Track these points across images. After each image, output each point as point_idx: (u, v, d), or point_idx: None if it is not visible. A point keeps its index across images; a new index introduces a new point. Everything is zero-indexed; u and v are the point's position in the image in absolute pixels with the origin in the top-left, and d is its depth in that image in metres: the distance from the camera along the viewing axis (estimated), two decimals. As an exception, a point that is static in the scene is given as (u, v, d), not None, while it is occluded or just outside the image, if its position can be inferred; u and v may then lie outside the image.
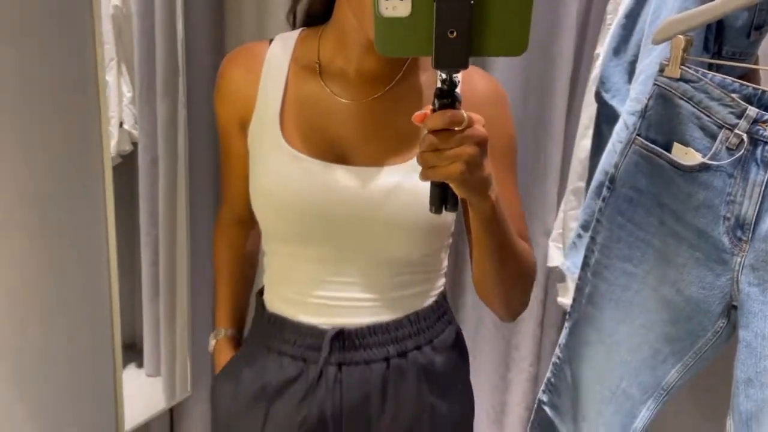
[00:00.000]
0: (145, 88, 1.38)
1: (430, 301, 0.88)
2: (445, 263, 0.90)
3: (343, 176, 0.79)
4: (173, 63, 1.42)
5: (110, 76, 1.29)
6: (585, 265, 1.02)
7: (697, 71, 0.85)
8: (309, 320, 0.84)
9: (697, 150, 0.86)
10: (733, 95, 0.83)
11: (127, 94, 1.37)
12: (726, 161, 0.84)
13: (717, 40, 0.94)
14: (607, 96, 1.14)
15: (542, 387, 1.14)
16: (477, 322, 1.70)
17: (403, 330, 0.84)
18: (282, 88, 0.83)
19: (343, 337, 0.82)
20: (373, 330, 0.83)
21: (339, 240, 0.81)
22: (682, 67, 0.86)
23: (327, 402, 0.82)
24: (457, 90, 0.62)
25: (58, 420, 1.17)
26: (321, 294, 0.83)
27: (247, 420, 0.87)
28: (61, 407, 1.18)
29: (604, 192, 0.97)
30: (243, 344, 0.98)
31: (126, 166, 1.37)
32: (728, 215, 0.85)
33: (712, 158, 0.85)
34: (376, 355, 0.82)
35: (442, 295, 0.91)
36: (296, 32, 0.88)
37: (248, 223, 0.98)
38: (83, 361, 1.24)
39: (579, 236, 1.15)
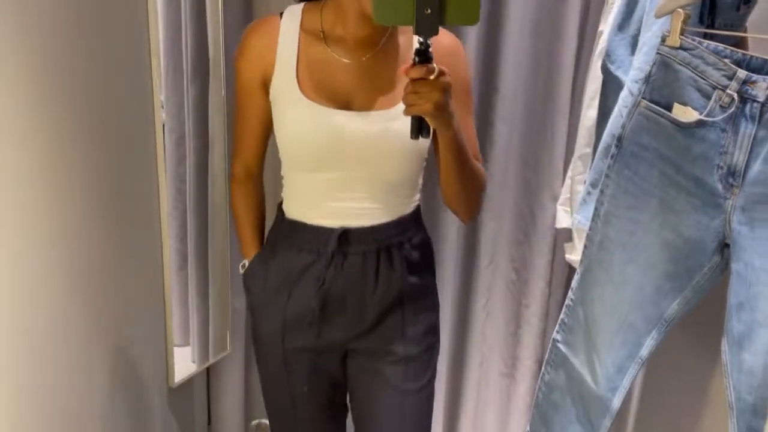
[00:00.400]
0: (171, 72, 1.48)
1: (410, 209, 1.14)
2: (421, 181, 1.15)
3: (347, 118, 1.04)
4: (203, 47, 1.53)
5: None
6: (596, 215, 1.15)
7: (694, 40, 0.98)
8: (321, 223, 1.09)
9: (694, 109, 0.99)
10: (725, 60, 0.96)
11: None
12: (719, 117, 0.97)
13: (711, 14, 1.07)
14: (612, 67, 1.26)
15: (556, 328, 1.27)
16: (490, 285, 1.83)
17: (391, 231, 1.10)
18: (295, 51, 1.06)
19: (347, 235, 1.08)
20: (369, 230, 1.09)
21: (345, 166, 1.05)
22: (682, 37, 0.99)
23: (334, 282, 1.09)
24: (430, 49, 0.87)
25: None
26: (330, 204, 1.08)
27: (275, 299, 1.14)
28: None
29: (613, 150, 1.10)
30: (266, 244, 1.21)
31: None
32: (721, 164, 0.98)
33: (707, 115, 0.98)
34: (371, 248, 1.09)
35: (418, 206, 1.16)
36: (300, 6, 1.10)
37: (259, 177, 1.22)
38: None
39: (588, 193, 1.28)
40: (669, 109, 1.02)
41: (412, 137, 0.93)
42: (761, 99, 0.93)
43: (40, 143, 0.97)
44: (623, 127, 1.08)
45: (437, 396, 1.89)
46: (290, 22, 1.08)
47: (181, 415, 1.75)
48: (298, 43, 1.07)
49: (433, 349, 1.22)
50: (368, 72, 1.06)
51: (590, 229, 1.16)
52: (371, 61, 1.07)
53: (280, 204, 1.17)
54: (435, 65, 0.87)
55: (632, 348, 1.13)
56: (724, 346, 1.00)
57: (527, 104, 1.69)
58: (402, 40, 1.08)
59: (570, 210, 1.57)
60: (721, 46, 0.98)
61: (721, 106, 0.97)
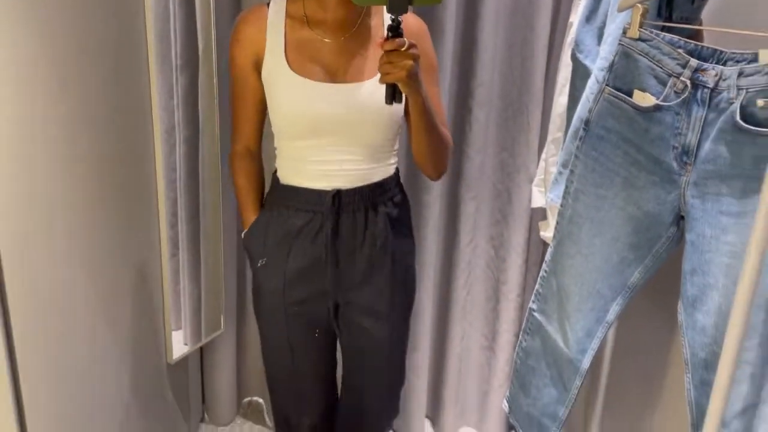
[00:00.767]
0: (160, 63, 1.54)
1: (391, 172, 1.29)
2: (396, 146, 1.31)
3: (332, 90, 1.20)
4: (192, 38, 1.60)
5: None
6: (566, 193, 1.25)
7: (652, 32, 1.08)
8: (315, 186, 1.24)
9: (652, 94, 1.09)
10: (679, 50, 1.06)
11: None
12: (674, 102, 1.07)
13: (668, 8, 1.17)
14: (581, 56, 1.36)
15: (532, 298, 1.38)
16: (470, 262, 1.93)
17: (376, 191, 1.26)
18: (282, 35, 1.21)
19: (339, 196, 1.23)
20: (358, 191, 1.24)
21: (332, 132, 1.20)
22: (641, 29, 1.09)
23: (329, 237, 1.24)
24: (401, 26, 1.04)
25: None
26: (322, 168, 1.23)
27: (276, 255, 1.27)
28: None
29: (581, 133, 1.21)
30: (263, 209, 1.33)
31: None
32: (676, 145, 1.09)
33: (663, 100, 1.08)
34: (359, 207, 1.24)
35: (397, 170, 1.32)
36: None
37: (258, 153, 1.34)
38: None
39: (560, 173, 1.38)
40: (630, 95, 1.12)
41: (387, 102, 1.10)
42: (710, 85, 1.03)
43: (48, 136, 1.05)
44: (590, 111, 1.18)
45: (421, 370, 2.00)
46: (276, 10, 1.23)
47: (178, 390, 1.83)
48: (285, 27, 1.22)
49: (411, 301, 1.40)
50: (347, 49, 1.22)
51: (561, 205, 1.27)
52: (349, 40, 1.23)
53: (275, 173, 1.31)
54: (405, 39, 1.05)
55: (599, 313, 1.24)
56: (680, 308, 1.11)
57: (503, 91, 1.78)
58: (373, 22, 1.25)
59: (544, 190, 1.67)
60: (676, 37, 1.08)
61: (675, 91, 1.07)
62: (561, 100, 1.55)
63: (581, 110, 1.29)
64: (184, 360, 1.85)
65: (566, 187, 1.25)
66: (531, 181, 1.79)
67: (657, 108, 1.09)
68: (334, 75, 1.21)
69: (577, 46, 1.37)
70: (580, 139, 1.20)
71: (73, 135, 1.11)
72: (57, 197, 1.07)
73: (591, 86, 1.27)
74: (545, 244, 1.75)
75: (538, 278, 1.36)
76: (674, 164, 1.09)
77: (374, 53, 1.18)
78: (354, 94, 1.20)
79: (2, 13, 0.90)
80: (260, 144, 1.34)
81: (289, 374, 1.38)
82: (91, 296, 1.22)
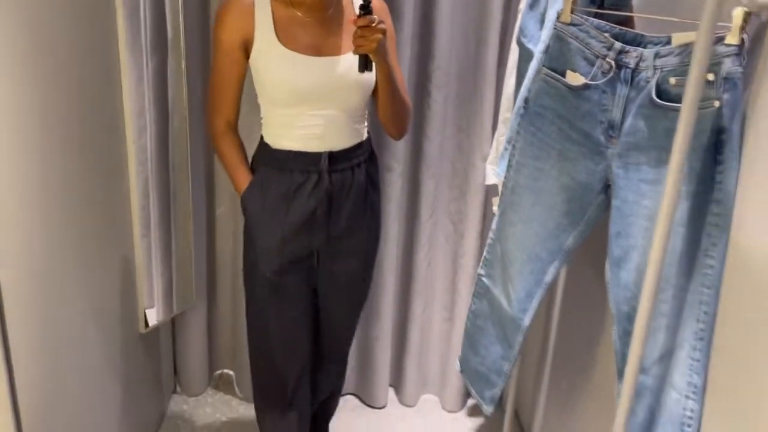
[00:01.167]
0: (130, 46, 1.60)
1: (365, 135, 1.50)
2: (367, 113, 1.50)
3: (317, 63, 1.37)
4: (161, 22, 1.67)
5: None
6: (509, 166, 1.36)
7: (581, 17, 1.19)
8: (307, 149, 1.41)
9: (582, 74, 1.20)
10: (605, 34, 1.17)
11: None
12: (601, 81, 1.18)
13: (600, -5, 1.28)
14: (524, 40, 1.47)
15: (480, 264, 1.49)
16: (430, 237, 2.04)
17: (358, 151, 1.46)
18: (270, 16, 1.37)
19: (331, 156, 1.41)
20: (345, 151, 1.43)
21: (318, 99, 1.38)
22: (572, 15, 1.20)
23: (324, 193, 1.41)
24: (371, 5, 1.25)
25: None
26: (311, 132, 1.40)
27: (274, 214, 1.43)
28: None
29: (521, 111, 1.32)
30: (256, 174, 1.46)
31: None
32: (603, 120, 1.20)
33: (591, 80, 1.19)
34: (346, 166, 1.43)
35: (368, 133, 1.51)
36: None
37: (236, 127, 1.48)
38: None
39: (506, 149, 1.49)
40: (563, 75, 1.23)
41: (360, 71, 1.32)
42: (632, 65, 1.15)
43: (21, 119, 1.12)
44: (529, 90, 1.29)
45: (384, 342, 2.11)
46: None
47: (151, 360, 1.91)
48: (272, 9, 1.37)
49: (377, 247, 1.62)
50: (327, 27, 1.40)
51: (505, 177, 1.38)
52: (327, 19, 1.40)
53: (261, 139, 1.47)
54: (375, 16, 1.26)
55: (538, 276, 1.36)
56: (607, 267, 1.22)
57: (459, 74, 1.89)
58: (345, 3, 1.44)
59: (496, 168, 1.78)
60: (603, 22, 1.19)
61: (602, 72, 1.18)
62: (510, 82, 1.66)
63: (523, 90, 1.40)
64: (156, 333, 1.94)
65: (509, 160, 1.36)
66: (485, 159, 1.90)
67: (586, 87, 1.20)
68: (317, 49, 1.38)
69: (521, 31, 1.48)
70: (521, 116, 1.31)
71: (47, 118, 1.18)
72: (33, 178, 1.14)
73: (532, 68, 1.38)
74: (498, 219, 1.87)
75: (486, 246, 1.47)
76: (602, 138, 1.21)
77: (348, 30, 1.37)
78: (334, 66, 1.38)
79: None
80: (238, 117, 1.47)
81: (281, 325, 1.51)
82: (68, 266, 1.30)
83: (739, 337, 1.01)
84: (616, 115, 1.18)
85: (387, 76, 1.38)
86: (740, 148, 1.02)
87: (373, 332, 2.08)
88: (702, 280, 1.07)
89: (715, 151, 1.03)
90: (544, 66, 1.26)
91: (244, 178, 1.45)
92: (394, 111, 1.46)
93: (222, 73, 1.41)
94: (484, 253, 1.48)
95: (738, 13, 0.96)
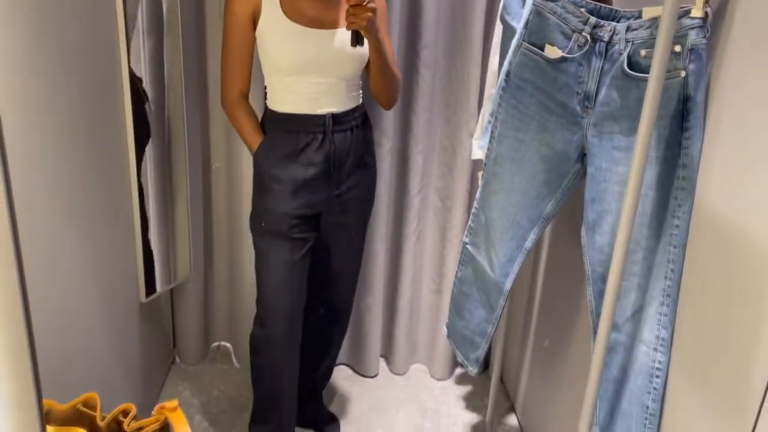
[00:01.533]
0: (132, 28, 1.66)
1: (360, 101, 1.63)
2: (361, 82, 1.63)
3: (318, 35, 1.49)
4: (157, 3, 1.72)
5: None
6: (492, 138, 1.43)
7: (559, -7, 1.25)
8: (311, 112, 1.54)
9: (559, 48, 1.27)
10: (581, 9, 1.24)
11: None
12: (577, 54, 1.25)
13: (577, -27, 1.34)
14: (508, 18, 1.53)
15: (465, 232, 1.56)
16: (419, 211, 2.11)
17: (355, 114, 1.60)
18: None
19: (333, 118, 1.55)
20: (345, 113, 1.57)
21: (319, 68, 1.51)
22: (550, -9, 1.26)
23: (328, 151, 1.56)
24: None
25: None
26: (314, 97, 1.53)
27: (284, 166, 1.56)
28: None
29: (503, 84, 1.38)
30: (266, 134, 1.59)
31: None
32: (579, 91, 1.27)
33: (568, 53, 1.26)
34: (347, 127, 1.58)
35: (362, 100, 1.65)
36: None
37: (248, 95, 1.60)
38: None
39: (489, 122, 1.55)
40: (542, 48, 1.30)
41: (351, 45, 1.44)
42: (606, 39, 1.21)
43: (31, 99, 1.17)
44: (510, 64, 1.35)
45: (375, 313, 2.19)
46: None
47: (151, 330, 1.98)
48: None
49: (372, 200, 1.77)
50: (327, 2, 1.52)
51: (488, 149, 1.45)
52: None
53: (267, 108, 1.61)
54: None
55: (519, 241, 1.43)
56: (583, 231, 1.30)
57: (446, 53, 1.95)
58: None
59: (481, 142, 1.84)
60: (579, -2, 1.26)
61: (578, 45, 1.25)
62: (494, 59, 1.71)
63: (505, 64, 1.46)
64: (156, 305, 2.01)
65: (491, 132, 1.42)
66: (471, 135, 1.96)
67: (563, 60, 1.27)
68: (318, 22, 1.50)
69: (505, 9, 1.54)
70: (502, 89, 1.38)
71: (51, 92, 1.24)
72: (45, 150, 1.20)
73: (513, 43, 1.44)
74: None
75: (470, 215, 1.54)
76: (578, 108, 1.28)
77: (344, 6, 1.48)
78: (333, 38, 1.50)
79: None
80: (249, 86, 1.58)
81: (288, 269, 1.62)
82: (69, 234, 1.36)
83: (702, 291, 1.09)
84: (591, 86, 1.25)
85: (377, 51, 1.51)
86: (704, 115, 1.09)
87: (363, 304, 2.16)
88: (669, 239, 1.14)
89: (682, 118, 1.10)
90: (524, 40, 1.32)
91: (257, 139, 1.57)
92: (384, 83, 1.59)
93: (235, 46, 1.52)
94: (469, 222, 1.55)
95: (701, -13, 1.03)
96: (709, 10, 1.05)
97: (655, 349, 1.18)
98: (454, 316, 1.64)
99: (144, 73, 1.69)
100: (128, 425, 1.06)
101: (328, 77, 1.53)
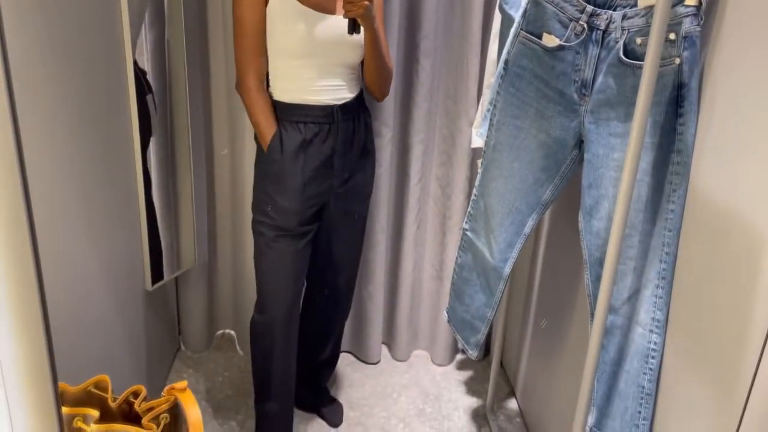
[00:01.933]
0: (136, 18, 1.68)
1: (360, 89, 1.67)
2: (360, 71, 1.67)
3: (324, 18, 1.53)
4: (159, 3, 1.75)
5: None
6: (490, 125, 1.45)
7: (556, -17, 1.27)
8: (318, 102, 1.58)
9: (556, 36, 1.29)
10: (578, -2, 1.26)
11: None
12: (574, 43, 1.27)
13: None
14: (506, 7, 1.55)
15: (464, 219, 1.59)
16: (419, 200, 2.14)
17: (357, 103, 1.65)
18: None
19: (341, 108, 1.59)
20: (349, 103, 1.62)
21: (324, 53, 1.55)
22: (548, -20, 1.28)
23: (335, 140, 1.61)
24: None
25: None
26: (324, 84, 1.57)
27: (294, 161, 1.58)
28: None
29: (501, 72, 1.40)
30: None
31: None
32: (576, 79, 1.29)
33: (565, 41, 1.28)
34: (350, 116, 1.63)
35: (361, 89, 1.69)
36: None
37: (264, 80, 1.60)
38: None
39: (488, 110, 1.58)
40: (540, 37, 1.32)
41: (348, 33, 1.49)
42: (603, 27, 1.23)
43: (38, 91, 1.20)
44: (508, 53, 1.37)
45: (377, 301, 2.22)
46: None
47: (156, 317, 2.01)
48: None
49: (372, 185, 1.80)
50: None
51: (487, 136, 1.47)
52: None
53: (274, 99, 1.60)
54: None
55: (518, 227, 1.46)
56: (580, 217, 1.32)
57: (446, 43, 1.97)
58: None
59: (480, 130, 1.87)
60: (576, -13, 1.27)
61: (575, 33, 1.27)
62: (493, 48, 1.74)
63: (504, 53, 1.48)
64: (161, 293, 2.04)
65: (490, 120, 1.45)
66: (471, 124, 1.99)
67: (561, 48, 1.29)
68: (325, 7, 1.54)
69: (503, -2, 1.56)
70: (501, 77, 1.40)
71: (57, 81, 1.26)
72: (41, 139, 1.23)
73: (511, 32, 1.46)
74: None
75: (470, 202, 1.57)
76: (575, 96, 1.30)
77: None
78: (337, 23, 1.54)
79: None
80: (267, 71, 1.61)
81: (290, 259, 1.66)
82: (80, 224, 1.39)
83: (696, 274, 1.12)
84: (588, 74, 1.27)
85: (373, 40, 1.55)
86: (698, 101, 1.11)
87: (365, 292, 2.19)
88: (664, 224, 1.17)
89: (677, 105, 1.13)
90: (522, 29, 1.34)
91: (272, 129, 1.58)
92: (378, 73, 1.63)
93: (250, 27, 1.53)
94: (468, 209, 1.57)
95: (695, -24, 1.05)
96: (702, -2, 1.07)
97: (651, 331, 1.21)
98: (454, 301, 1.67)
99: (147, 64, 1.72)
100: (139, 406, 1.09)
101: (334, 64, 1.56)
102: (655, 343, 1.21)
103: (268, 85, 1.62)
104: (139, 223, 1.77)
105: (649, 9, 1.15)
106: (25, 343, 0.66)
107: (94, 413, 1.07)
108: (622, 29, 1.20)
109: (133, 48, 1.62)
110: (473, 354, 1.64)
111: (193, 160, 1.96)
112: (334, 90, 1.59)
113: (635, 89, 1.15)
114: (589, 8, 1.25)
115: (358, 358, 2.32)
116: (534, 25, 1.33)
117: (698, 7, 1.07)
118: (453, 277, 1.66)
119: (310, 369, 1.96)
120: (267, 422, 1.81)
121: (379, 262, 2.14)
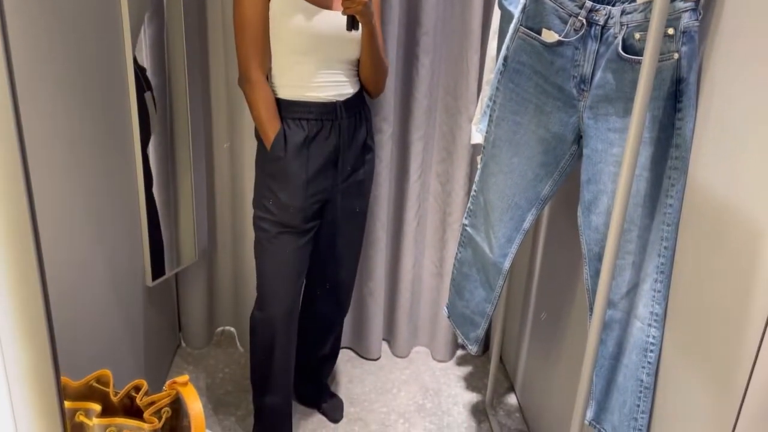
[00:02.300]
0: (135, 14, 1.68)
1: (359, 86, 1.69)
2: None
3: (327, 15, 1.55)
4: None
5: None
6: (490, 121, 1.46)
7: (555, -22, 1.28)
8: (320, 98, 1.59)
9: (556, 32, 1.29)
10: (578, -6, 1.26)
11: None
12: (573, 38, 1.27)
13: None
14: (505, 3, 1.55)
15: (464, 214, 1.60)
16: (419, 196, 2.14)
17: (358, 99, 1.67)
18: None
19: (344, 105, 1.61)
20: (350, 100, 1.64)
21: (327, 49, 1.57)
22: (547, -24, 1.29)
23: (338, 135, 1.62)
24: None
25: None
26: (325, 80, 1.59)
27: (297, 154, 1.58)
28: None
29: (501, 68, 1.41)
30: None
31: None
32: (575, 74, 1.29)
33: (564, 37, 1.28)
34: (352, 113, 1.65)
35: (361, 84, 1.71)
36: None
37: (267, 74, 1.59)
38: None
39: (488, 106, 1.58)
40: (539, 33, 1.32)
41: (347, 29, 1.51)
42: (601, 23, 1.24)
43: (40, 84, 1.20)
44: (508, 48, 1.38)
45: (377, 297, 2.22)
46: None
47: (156, 313, 2.02)
48: None
49: (372, 180, 1.83)
50: None
51: (486, 132, 1.47)
52: None
53: (277, 97, 1.60)
54: None
55: (518, 222, 1.46)
56: (579, 212, 1.33)
57: (446, 39, 1.97)
58: None
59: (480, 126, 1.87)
60: (575, -17, 1.28)
61: (574, 29, 1.27)
62: (493, 44, 1.74)
63: (503, 49, 1.48)
64: (162, 289, 2.04)
65: (489, 116, 1.45)
66: (470, 120, 1.99)
67: (560, 43, 1.29)
68: (327, 4, 1.56)
69: (502, -6, 1.56)
70: (501, 73, 1.40)
71: (58, 76, 1.27)
72: (55, 134, 1.24)
73: (511, 27, 1.47)
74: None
75: (469, 198, 1.57)
76: (574, 91, 1.30)
77: None
78: (338, 19, 1.54)
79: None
80: (270, 64, 1.60)
81: (291, 256, 1.67)
82: (81, 221, 1.40)
83: (694, 268, 1.12)
84: (587, 69, 1.28)
85: (370, 37, 1.57)
86: (696, 96, 1.12)
87: (366, 289, 2.20)
88: (663, 218, 1.17)
89: (675, 99, 1.13)
90: (521, 25, 1.35)
91: (276, 126, 1.57)
92: (374, 69, 1.65)
93: (254, 18, 1.52)
94: (468, 204, 1.58)
95: (693, -29, 1.05)
96: (701, -7, 1.08)
97: (650, 325, 1.21)
98: (454, 297, 1.68)
99: (146, 61, 1.72)
100: (140, 400, 1.10)
101: (334, 58, 1.57)
102: (654, 337, 1.21)
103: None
104: (140, 219, 1.77)
105: (648, 4, 1.16)
106: (28, 339, 0.67)
107: (96, 407, 1.07)
108: (621, 24, 1.20)
109: (133, 45, 1.62)
110: (473, 349, 1.65)
111: (193, 156, 1.97)
112: (336, 86, 1.60)
113: (634, 84, 1.15)
114: (588, 4, 1.25)
115: (359, 354, 2.33)
116: (533, 20, 1.33)
117: (697, 2, 1.08)
118: (453, 273, 1.67)
119: (310, 365, 1.97)
120: (266, 418, 1.82)
121: (379, 259, 2.15)
